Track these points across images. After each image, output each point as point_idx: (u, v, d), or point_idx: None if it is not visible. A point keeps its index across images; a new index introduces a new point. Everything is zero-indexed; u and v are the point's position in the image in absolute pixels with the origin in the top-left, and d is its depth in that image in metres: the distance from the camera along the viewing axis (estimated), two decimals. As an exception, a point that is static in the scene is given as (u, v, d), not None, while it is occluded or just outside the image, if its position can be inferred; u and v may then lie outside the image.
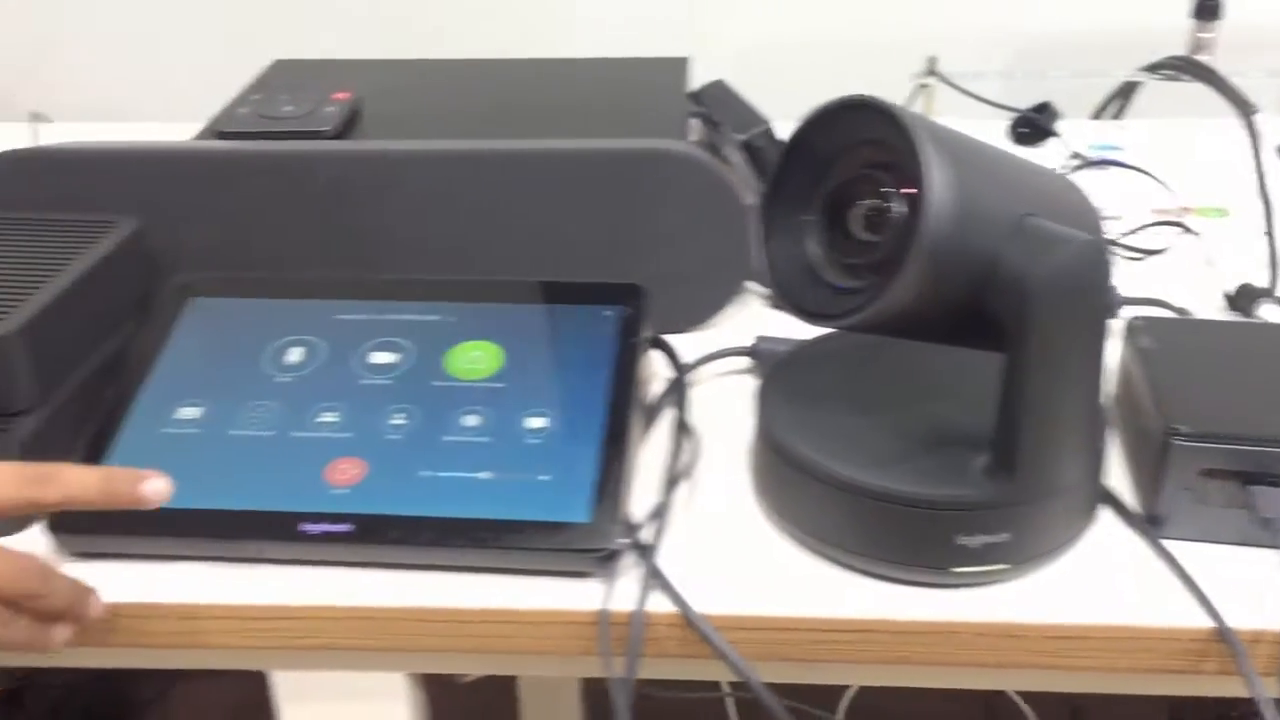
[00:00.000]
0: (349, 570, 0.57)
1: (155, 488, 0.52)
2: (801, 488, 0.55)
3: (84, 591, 0.53)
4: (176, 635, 0.56)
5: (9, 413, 0.59)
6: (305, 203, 0.73)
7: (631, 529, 0.56)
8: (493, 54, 1.13)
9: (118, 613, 0.56)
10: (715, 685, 1.44)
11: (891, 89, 1.03)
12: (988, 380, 0.58)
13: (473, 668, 0.59)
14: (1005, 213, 0.49)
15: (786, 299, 0.53)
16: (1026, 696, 1.46)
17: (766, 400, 0.59)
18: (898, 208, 0.49)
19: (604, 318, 0.65)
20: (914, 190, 0.49)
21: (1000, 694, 1.47)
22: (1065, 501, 0.53)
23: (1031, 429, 0.50)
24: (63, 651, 0.57)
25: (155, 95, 1.29)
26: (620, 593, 0.54)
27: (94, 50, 1.28)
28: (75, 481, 0.51)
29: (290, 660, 0.59)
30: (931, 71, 0.98)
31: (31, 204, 0.72)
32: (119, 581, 0.56)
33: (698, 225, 0.72)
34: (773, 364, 0.63)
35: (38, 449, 0.59)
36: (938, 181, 0.46)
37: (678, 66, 1.02)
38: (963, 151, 0.49)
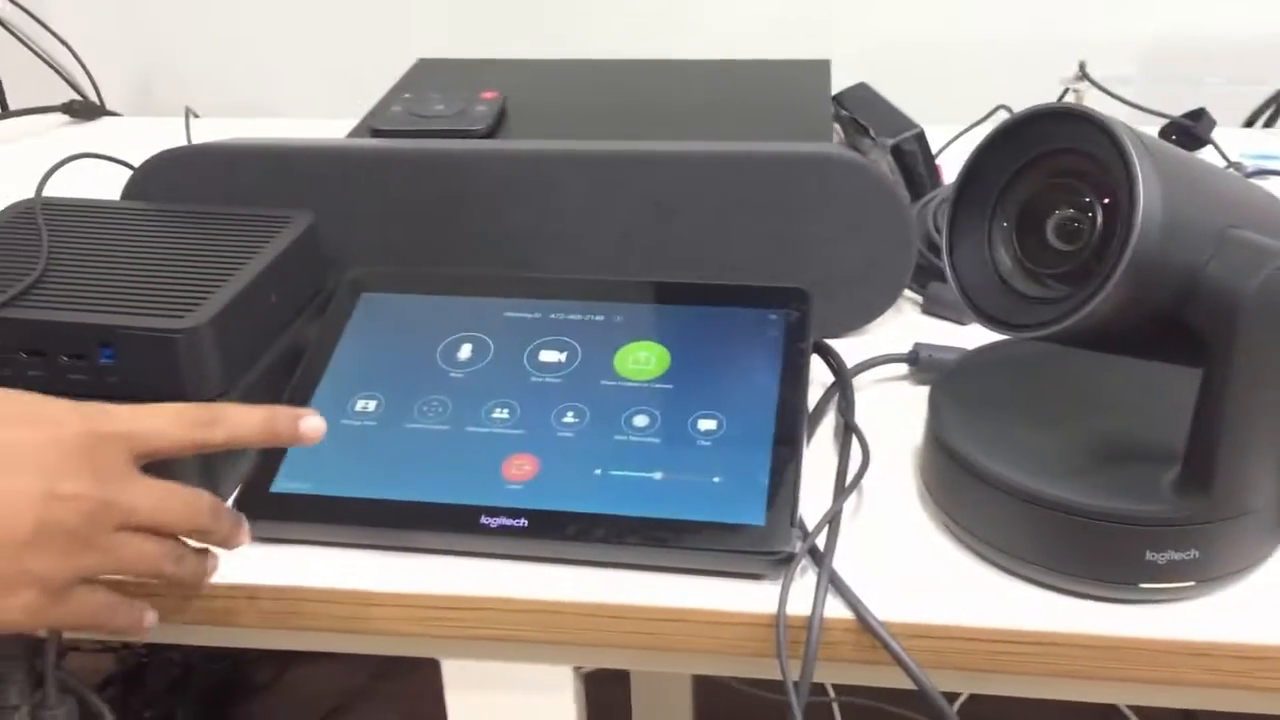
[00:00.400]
0: (519, 564, 0.58)
1: (312, 425, 0.53)
2: (981, 498, 0.54)
3: (238, 523, 0.54)
4: (352, 620, 0.58)
5: (201, 401, 0.61)
6: (468, 201, 0.74)
7: (806, 532, 0.56)
8: (624, 54, 1.14)
9: (297, 596, 0.58)
10: (821, 689, 1.43)
11: (1036, 92, 1.02)
12: (1164, 392, 0.58)
13: (642, 664, 0.59)
14: (1209, 224, 0.48)
15: (973, 307, 0.52)
16: (1139, 709, 1.43)
17: (940, 408, 0.58)
18: (1096, 218, 0.49)
19: (769, 321, 0.65)
20: (1110, 200, 0.49)
21: (1113, 707, 1.44)
22: (1257, 521, 0.52)
23: (1229, 446, 0.49)
24: (240, 630, 0.59)
25: (291, 92, 1.32)
26: (792, 596, 0.54)
27: (230, 47, 1.32)
28: (240, 422, 0.52)
29: (461, 649, 0.60)
30: (1083, 75, 0.96)
31: (204, 197, 0.75)
32: (300, 567, 0.58)
33: (859, 231, 0.71)
34: (942, 371, 0.62)
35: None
36: (1149, 193, 0.45)
37: (820, 69, 1.02)
38: (1167, 161, 0.48)
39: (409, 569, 0.58)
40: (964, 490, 0.56)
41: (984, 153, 0.52)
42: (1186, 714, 1.38)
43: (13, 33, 1.23)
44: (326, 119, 1.19)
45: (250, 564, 0.58)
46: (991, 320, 0.52)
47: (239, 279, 0.64)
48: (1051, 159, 0.51)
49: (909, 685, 0.53)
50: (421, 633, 0.58)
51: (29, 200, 0.73)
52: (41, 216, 0.71)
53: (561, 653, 0.59)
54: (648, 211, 0.73)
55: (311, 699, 1.59)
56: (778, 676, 0.54)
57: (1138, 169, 0.46)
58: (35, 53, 1.24)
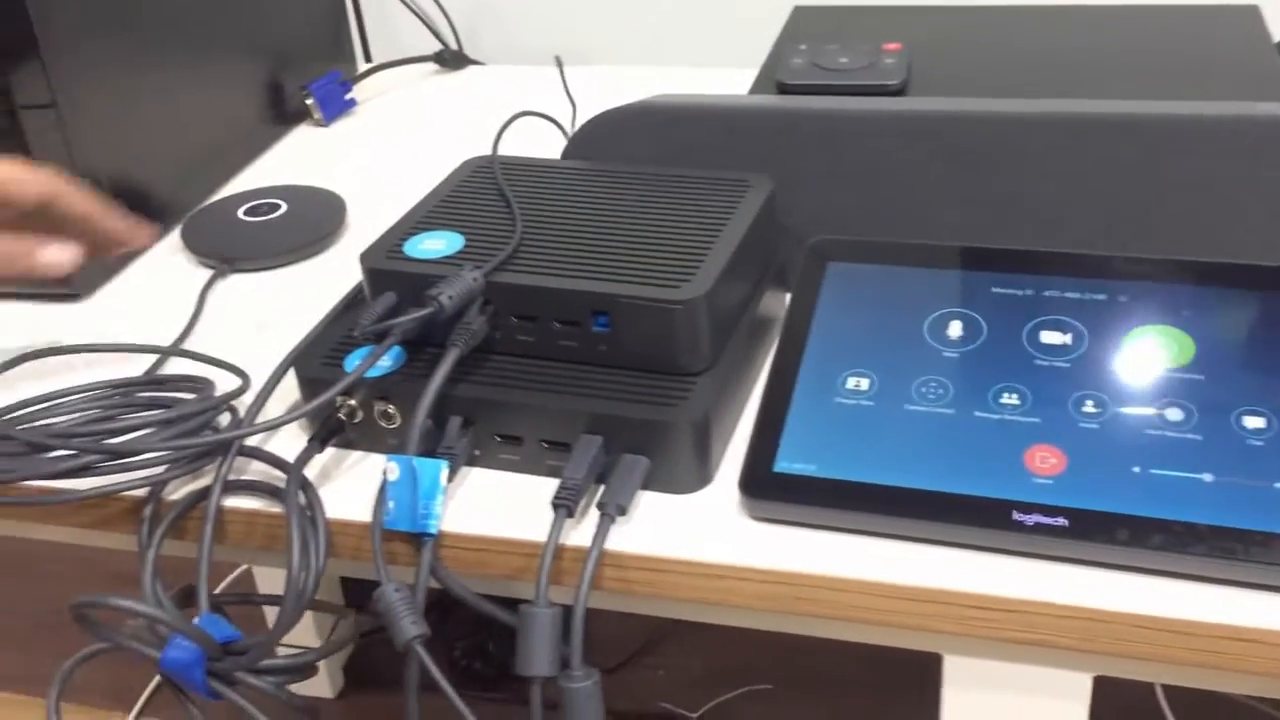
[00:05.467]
0: (1048, 564, 0.53)
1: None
2: None
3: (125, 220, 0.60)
4: (859, 610, 0.55)
5: (691, 373, 0.60)
6: (926, 166, 0.70)
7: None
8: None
9: (804, 582, 0.55)
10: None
11: None
12: None
13: (1188, 680, 0.55)
14: None
15: None
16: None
17: None
18: None
19: (1306, 307, 0.58)
20: None
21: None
22: None
23: None
24: (734, 610, 0.57)
25: (636, 38, 1.29)
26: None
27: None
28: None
29: (974, 648, 0.57)
30: None
31: (639, 157, 0.73)
32: (806, 551, 0.56)
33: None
34: None
35: (710, 413, 0.59)
36: None
37: (1251, 15, 0.92)
38: None
39: (920, 560, 0.55)
40: None
41: None
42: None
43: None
44: (691, 67, 1.17)
45: (756, 545, 0.56)
46: None
47: (722, 247, 0.62)
48: None
49: None
50: (935, 629, 0.54)
51: (485, 157, 0.73)
52: (502, 176, 0.70)
53: (1088, 661, 0.55)
54: (1137, 180, 0.67)
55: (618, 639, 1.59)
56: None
57: None
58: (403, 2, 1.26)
